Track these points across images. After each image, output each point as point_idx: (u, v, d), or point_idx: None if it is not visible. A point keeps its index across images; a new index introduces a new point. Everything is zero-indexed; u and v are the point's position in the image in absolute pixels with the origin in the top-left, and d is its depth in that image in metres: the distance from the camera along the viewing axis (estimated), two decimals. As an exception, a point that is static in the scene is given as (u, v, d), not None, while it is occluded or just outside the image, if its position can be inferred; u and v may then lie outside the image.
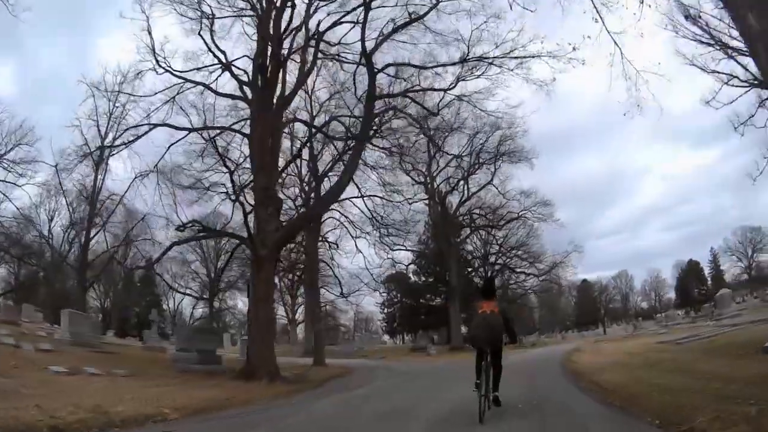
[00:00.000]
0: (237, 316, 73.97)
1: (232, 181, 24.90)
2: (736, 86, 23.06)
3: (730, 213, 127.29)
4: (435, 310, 64.84)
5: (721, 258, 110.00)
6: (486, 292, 9.51)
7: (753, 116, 22.99)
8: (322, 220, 39.14)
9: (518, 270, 63.00)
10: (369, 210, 36.77)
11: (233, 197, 24.95)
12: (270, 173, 22.55)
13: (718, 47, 21.78)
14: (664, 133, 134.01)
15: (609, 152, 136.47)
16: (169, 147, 24.49)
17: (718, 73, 23.01)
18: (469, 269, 66.05)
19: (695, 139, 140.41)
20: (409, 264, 58.07)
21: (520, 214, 56.52)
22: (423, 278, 68.23)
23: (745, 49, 18.22)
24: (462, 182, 54.10)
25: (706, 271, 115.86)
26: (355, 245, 39.66)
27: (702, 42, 22.16)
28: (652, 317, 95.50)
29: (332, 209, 36.50)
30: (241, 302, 66.15)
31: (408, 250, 50.63)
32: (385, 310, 79.23)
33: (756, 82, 20.93)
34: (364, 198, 36.12)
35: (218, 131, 25.48)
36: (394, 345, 76.79)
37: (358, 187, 33.86)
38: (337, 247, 41.80)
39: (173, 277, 61.38)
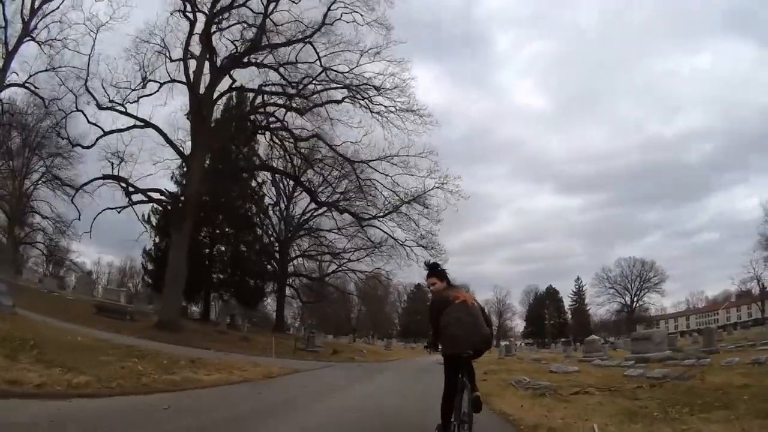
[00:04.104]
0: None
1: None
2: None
3: (577, 259, 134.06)
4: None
5: (592, 289, 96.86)
6: (444, 277, 6.01)
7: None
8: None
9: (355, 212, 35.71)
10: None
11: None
12: None
13: None
14: (530, 173, 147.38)
15: (470, 177, 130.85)
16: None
17: None
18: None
19: (560, 185, 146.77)
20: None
21: (354, 86, 28.35)
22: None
23: None
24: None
25: (567, 302, 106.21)
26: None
27: None
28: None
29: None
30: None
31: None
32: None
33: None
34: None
35: None
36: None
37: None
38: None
39: None
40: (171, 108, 29.80)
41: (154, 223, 37.00)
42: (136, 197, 27.30)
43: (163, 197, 26.90)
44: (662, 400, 8.02)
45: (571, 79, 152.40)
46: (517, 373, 17.16)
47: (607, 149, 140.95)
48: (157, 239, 38.49)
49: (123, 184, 27.17)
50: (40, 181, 42.37)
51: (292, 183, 44.84)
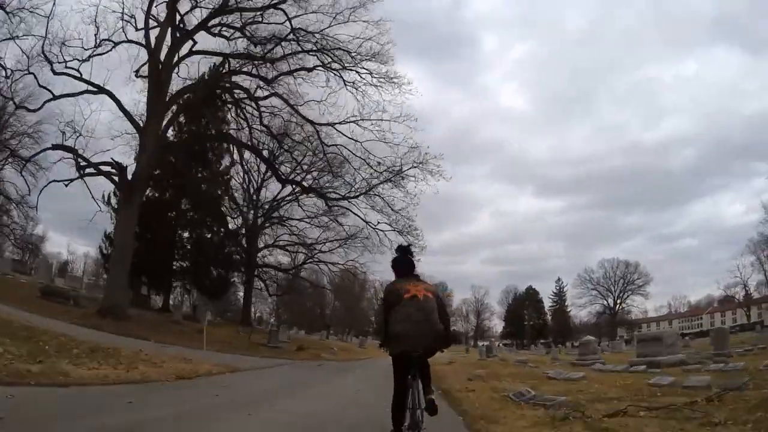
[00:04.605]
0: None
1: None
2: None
3: (556, 261, 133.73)
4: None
5: (573, 290, 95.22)
6: (405, 264, 5.54)
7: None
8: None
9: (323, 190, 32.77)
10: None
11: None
12: None
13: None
14: (511, 174, 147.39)
15: (454, 179, 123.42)
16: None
17: None
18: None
19: (540, 187, 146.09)
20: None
21: (326, 50, 25.45)
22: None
23: None
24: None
25: (547, 303, 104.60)
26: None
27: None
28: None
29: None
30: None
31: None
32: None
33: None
34: None
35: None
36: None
37: None
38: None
39: None
40: (133, 79, 27.00)
41: (115, 205, 33.86)
42: (88, 172, 24.56)
43: (112, 169, 23.66)
44: (754, 423, 5.37)
45: (555, 81, 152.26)
46: (508, 380, 14.49)
47: (589, 152, 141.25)
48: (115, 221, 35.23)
49: (73, 156, 24.38)
50: (7, 161, 39.54)
51: (264, 168, 42.00)
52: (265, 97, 26.34)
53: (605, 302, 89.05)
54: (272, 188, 44.29)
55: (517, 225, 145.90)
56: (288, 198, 42.78)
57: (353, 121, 26.01)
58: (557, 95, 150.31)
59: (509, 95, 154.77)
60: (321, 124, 26.80)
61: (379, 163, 27.11)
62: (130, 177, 23.25)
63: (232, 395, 8.62)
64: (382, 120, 25.70)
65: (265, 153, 31.63)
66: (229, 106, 28.71)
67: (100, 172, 23.91)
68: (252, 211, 45.31)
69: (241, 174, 42.47)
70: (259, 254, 46.42)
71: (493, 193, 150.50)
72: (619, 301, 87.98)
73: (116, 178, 23.29)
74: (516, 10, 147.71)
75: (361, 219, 31.07)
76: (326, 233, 42.16)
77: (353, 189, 29.34)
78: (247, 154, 36.29)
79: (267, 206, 45.02)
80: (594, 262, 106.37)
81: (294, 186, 34.33)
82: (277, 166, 30.27)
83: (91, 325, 17.57)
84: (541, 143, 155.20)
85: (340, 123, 26.33)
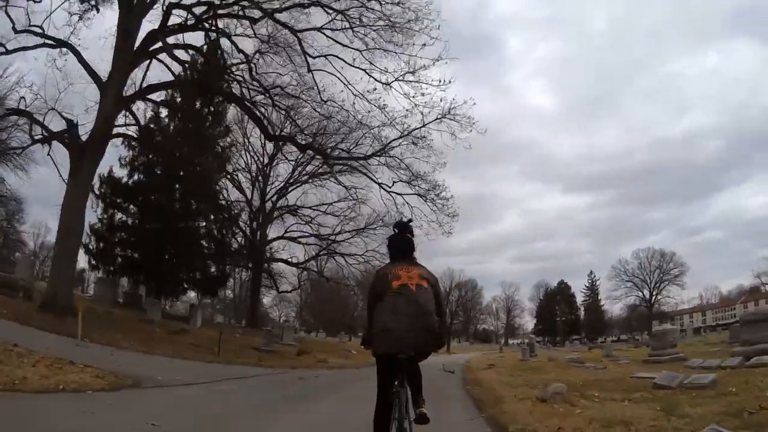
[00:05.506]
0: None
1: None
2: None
3: (584, 258, 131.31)
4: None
5: (608, 283, 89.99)
6: (402, 243, 4.43)
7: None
8: None
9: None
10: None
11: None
12: None
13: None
14: (539, 173, 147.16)
15: (479, 178, 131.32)
16: None
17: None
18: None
19: (568, 185, 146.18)
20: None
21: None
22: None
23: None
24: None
25: (580, 298, 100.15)
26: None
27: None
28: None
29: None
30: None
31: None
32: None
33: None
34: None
35: None
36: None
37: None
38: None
39: None
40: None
41: (97, 191, 29.48)
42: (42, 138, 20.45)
43: (64, 133, 19.02)
44: None
45: (581, 80, 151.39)
46: (597, 396, 9.36)
47: (616, 149, 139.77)
48: (98, 210, 30.81)
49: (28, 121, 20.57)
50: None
51: (270, 148, 37.67)
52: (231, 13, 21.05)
53: (640, 294, 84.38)
54: (283, 173, 40.40)
55: (545, 223, 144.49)
56: (300, 180, 38.73)
57: (347, 28, 20.27)
58: (583, 93, 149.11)
59: (536, 94, 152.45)
60: (302, 30, 20.85)
61: (384, 71, 21.28)
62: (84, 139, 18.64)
63: None
64: (390, 26, 19.84)
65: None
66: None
67: (53, 136, 19.43)
68: (258, 199, 40.93)
69: (244, 154, 38.27)
70: (269, 247, 42.08)
71: (521, 191, 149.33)
72: (654, 293, 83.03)
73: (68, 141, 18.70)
74: (539, 12, 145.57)
75: (373, 180, 25.95)
76: (343, 223, 38.45)
77: (359, 142, 24.57)
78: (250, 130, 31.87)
79: (275, 194, 40.70)
80: (622, 256, 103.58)
81: (286, 144, 29.28)
82: (266, 123, 24.59)
83: (14, 319, 14.29)
84: (569, 141, 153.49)
85: (328, 27, 20.61)
